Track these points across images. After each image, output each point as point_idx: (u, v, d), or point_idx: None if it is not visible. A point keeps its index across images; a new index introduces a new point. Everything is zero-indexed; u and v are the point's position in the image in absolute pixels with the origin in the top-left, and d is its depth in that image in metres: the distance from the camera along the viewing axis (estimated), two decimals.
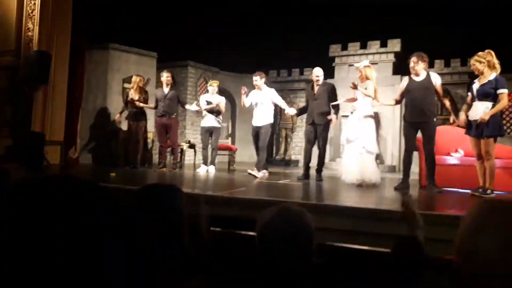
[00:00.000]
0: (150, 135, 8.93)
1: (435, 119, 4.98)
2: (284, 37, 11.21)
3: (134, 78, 7.33)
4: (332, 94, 5.93)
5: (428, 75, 4.86)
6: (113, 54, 8.99)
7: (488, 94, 4.29)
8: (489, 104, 4.29)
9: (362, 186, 5.06)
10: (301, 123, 11.40)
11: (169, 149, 7.25)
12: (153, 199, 1.37)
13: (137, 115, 7.18)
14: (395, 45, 10.64)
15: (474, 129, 4.37)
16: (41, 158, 6.09)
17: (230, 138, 8.40)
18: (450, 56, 10.29)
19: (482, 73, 4.31)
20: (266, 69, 11.69)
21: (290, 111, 6.51)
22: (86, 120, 8.49)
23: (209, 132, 7.05)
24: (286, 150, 11.48)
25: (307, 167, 5.93)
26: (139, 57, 9.38)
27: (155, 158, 8.49)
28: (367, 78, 5.46)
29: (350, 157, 5.41)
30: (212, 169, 6.93)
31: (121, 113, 7.51)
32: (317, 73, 6.00)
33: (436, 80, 4.85)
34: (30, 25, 6.77)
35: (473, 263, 0.86)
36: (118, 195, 1.22)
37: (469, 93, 4.62)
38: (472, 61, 4.43)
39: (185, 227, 1.38)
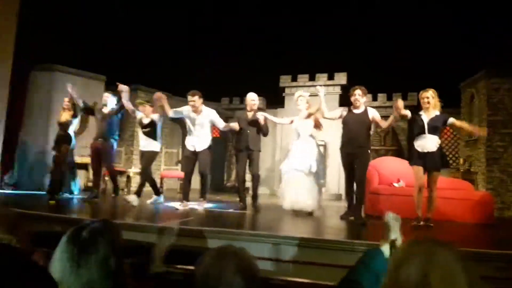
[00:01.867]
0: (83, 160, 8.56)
1: (369, 151, 5.14)
2: (236, 64, 11.39)
3: (66, 99, 6.78)
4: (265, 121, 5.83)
5: (366, 110, 5.07)
6: (58, 77, 8.66)
7: (437, 128, 4.58)
8: (438, 139, 4.57)
9: (298, 213, 5.16)
10: None
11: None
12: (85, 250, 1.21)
13: (60, 139, 6.59)
14: (341, 78, 11.14)
15: (425, 160, 4.51)
16: None
17: (180, 165, 8.18)
18: (392, 90, 10.94)
19: (431, 108, 4.57)
20: (219, 96, 11.78)
21: (235, 126, 5.79)
22: (25, 145, 8.03)
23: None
24: (229, 176, 11.47)
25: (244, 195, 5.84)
26: (86, 80, 9.10)
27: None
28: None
29: (293, 183, 5.36)
30: (133, 199, 5.91)
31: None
32: (253, 97, 5.94)
33: (373, 114, 5.06)
34: None
35: None
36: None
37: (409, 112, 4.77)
38: (430, 93, 4.59)
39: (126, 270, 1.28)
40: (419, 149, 4.54)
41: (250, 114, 5.83)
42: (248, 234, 3.36)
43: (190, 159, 5.84)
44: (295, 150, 5.56)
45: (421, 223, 4.53)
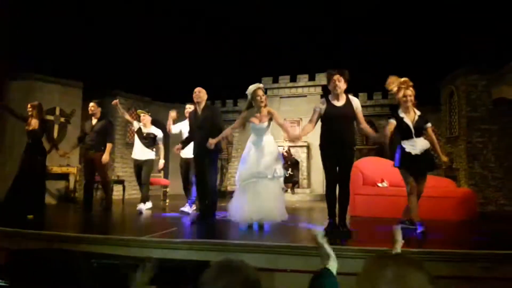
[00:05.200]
0: (74, 170, 8.42)
1: (354, 149, 4.38)
2: (217, 67, 11.31)
3: (29, 105, 6.12)
4: (217, 119, 5.19)
5: (348, 99, 4.21)
6: (35, 85, 8.46)
7: (422, 129, 4.39)
8: (426, 141, 4.41)
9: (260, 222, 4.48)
10: (236, 153, 11.45)
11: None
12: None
13: (33, 148, 5.92)
14: (322, 78, 11.19)
15: (415, 163, 4.32)
16: None
17: (162, 172, 8.06)
18: (373, 89, 11.03)
19: (412, 106, 4.37)
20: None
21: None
22: (1, 155, 7.80)
23: (139, 167, 6.64)
24: (222, 181, 11.38)
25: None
26: (63, 88, 8.90)
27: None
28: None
29: (255, 190, 4.52)
30: (142, 206, 6.39)
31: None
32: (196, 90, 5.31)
33: (357, 105, 4.21)
34: None
35: None
36: None
37: (393, 120, 4.42)
38: (409, 92, 4.31)
39: None
40: (411, 152, 4.33)
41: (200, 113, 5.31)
42: (232, 244, 3.30)
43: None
44: (253, 153, 4.68)
45: (404, 225, 4.45)
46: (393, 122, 4.41)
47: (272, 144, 4.73)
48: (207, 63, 11.55)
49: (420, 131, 4.41)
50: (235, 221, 4.59)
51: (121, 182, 8.00)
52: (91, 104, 6.44)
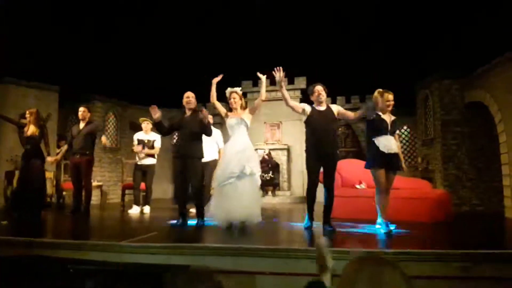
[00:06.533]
0: (50, 175, 8.24)
1: (338, 152, 4.78)
2: (196, 71, 11.28)
3: (27, 111, 6.43)
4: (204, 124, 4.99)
5: (328, 107, 4.70)
6: (9, 89, 8.26)
7: (394, 132, 4.62)
8: (397, 142, 4.67)
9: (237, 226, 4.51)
10: None
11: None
12: None
13: (31, 154, 6.14)
14: (301, 82, 11.33)
15: (388, 162, 4.43)
16: None
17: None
18: (350, 93, 11.21)
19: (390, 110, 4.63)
20: (179, 103, 11.59)
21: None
22: None
23: (142, 171, 6.88)
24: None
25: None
26: (38, 91, 8.72)
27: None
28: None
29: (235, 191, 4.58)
30: (147, 210, 6.77)
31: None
32: (188, 94, 5.30)
33: (338, 108, 4.71)
34: None
35: None
36: None
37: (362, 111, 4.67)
38: (392, 97, 4.55)
39: None
40: (385, 150, 4.43)
41: (188, 114, 5.28)
42: (212, 248, 3.29)
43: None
44: (231, 153, 4.75)
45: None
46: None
47: (243, 142, 4.80)
48: (185, 66, 11.52)
49: (393, 132, 4.62)
50: (215, 223, 4.66)
51: (99, 186, 7.87)
52: (82, 109, 6.39)
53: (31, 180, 6.04)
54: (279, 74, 4.64)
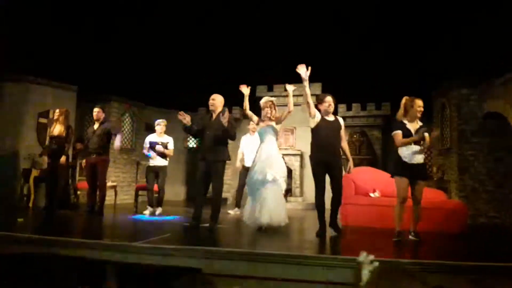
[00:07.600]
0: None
1: (341, 160, 4.86)
2: (212, 74, 11.36)
3: (58, 110, 6.62)
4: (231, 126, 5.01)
5: (336, 118, 4.96)
6: (28, 87, 8.42)
7: (422, 139, 4.51)
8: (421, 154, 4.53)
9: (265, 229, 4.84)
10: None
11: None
12: None
13: (56, 152, 6.37)
14: (316, 88, 11.26)
15: (412, 172, 4.42)
16: None
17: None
18: (366, 100, 11.13)
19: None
20: (196, 106, 11.67)
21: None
22: None
23: (155, 172, 6.87)
24: None
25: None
26: (57, 91, 8.86)
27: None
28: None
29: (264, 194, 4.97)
30: (160, 211, 6.81)
31: (45, 149, 6.93)
32: (213, 96, 5.29)
33: (342, 123, 4.98)
34: None
35: None
36: None
37: (400, 131, 4.59)
38: (421, 103, 4.58)
39: None
40: (406, 160, 4.44)
41: (214, 117, 5.27)
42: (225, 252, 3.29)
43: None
44: (258, 161, 5.15)
45: (410, 237, 4.53)
46: (399, 133, 4.59)
47: (269, 150, 5.16)
48: (201, 69, 11.60)
49: (418, 141, 4.53)
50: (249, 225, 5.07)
51: (113, 187, 7.95)
52: (97, 109, 6.47)
53: (56, 179, 6.37)
54: (303, 70, 4.91)
